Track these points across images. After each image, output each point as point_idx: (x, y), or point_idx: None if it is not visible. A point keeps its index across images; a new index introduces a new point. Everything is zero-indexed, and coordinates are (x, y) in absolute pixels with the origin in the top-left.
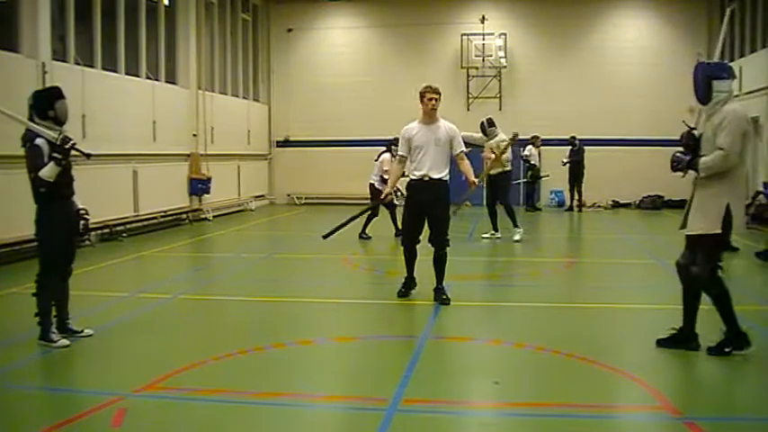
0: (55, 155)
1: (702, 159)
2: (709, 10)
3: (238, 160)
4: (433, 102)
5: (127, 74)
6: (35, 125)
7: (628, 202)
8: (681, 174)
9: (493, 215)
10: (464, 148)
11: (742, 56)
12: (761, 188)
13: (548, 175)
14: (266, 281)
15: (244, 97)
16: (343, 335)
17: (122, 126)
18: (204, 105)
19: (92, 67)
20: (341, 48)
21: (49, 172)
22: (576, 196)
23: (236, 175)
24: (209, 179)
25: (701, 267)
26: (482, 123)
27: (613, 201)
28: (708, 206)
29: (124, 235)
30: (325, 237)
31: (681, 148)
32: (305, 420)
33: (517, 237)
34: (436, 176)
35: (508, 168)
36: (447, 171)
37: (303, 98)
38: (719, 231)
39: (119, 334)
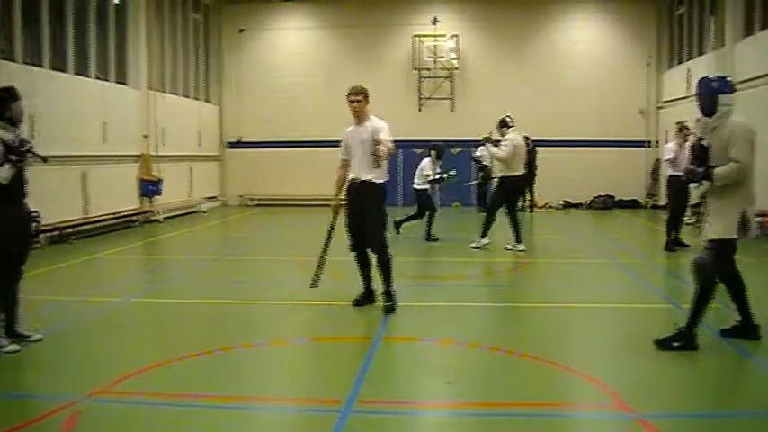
0: (11, 157)
1: (717, 170)
2: (658, 13)
3: (190, 161)
4: (355, 104)
5: (76, 74)
6: None
7: (579, 202)
8: (696, 184)
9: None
10: (381, 138)
11: (690, 59)
12: None
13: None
14: (220, 283)
15: (195, 98)
16: (298, 337)
17: (72, 127)
18: (155, 106)
19: (40, 66)
20: (293, 48)
21: (4, 174)
22: (529, 197)
23: (188, 176)
24: (160, 180)
25: (707, 260)
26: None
27: (565, 201)
28: (725, 213)
29: (74, 238)
30: (312, 285)
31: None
32: (260, 423)
33: (474, 244)
34: (363, 179)
35: (519, 172)
36: (377, 173)
37: (255, 99)
38: (736, 237)
39: (71, 338)
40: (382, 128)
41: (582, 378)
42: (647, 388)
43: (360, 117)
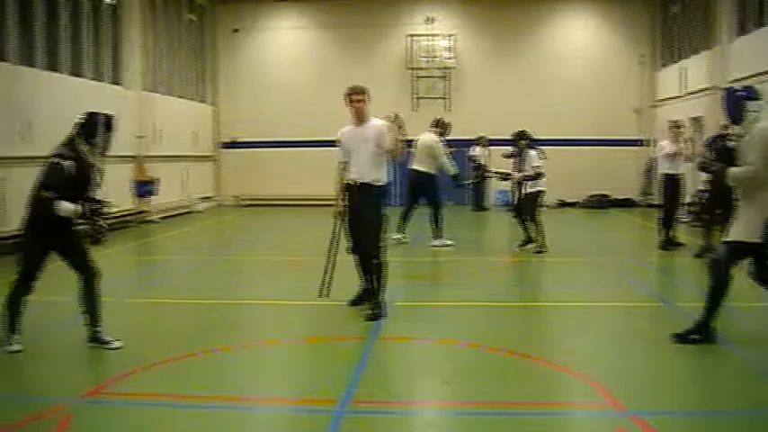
0: (79, 219)
1: (732, 169)
2: (652, 12)
3: (185, 162)
4: (359, 104)
5: (71, 74)
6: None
7: (574, 201)
8: (707, 174)
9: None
10: (388, 147)
11: (684, 57)
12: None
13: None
14: (215, 283)
15: (190, 98)
16: (292, 337)
17: (65, 128)
18: (150, 106)
19: (33, 67)
20: (288, 48)
21: (64, 210)
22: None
23: (183, 176)
24: (155, 181)
25: (721, 257)
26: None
27: (559, 200)
28: (748, 217)
29: None
30: (320, 294)
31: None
32: (254, 423)
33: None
34: (364, 180)
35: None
36: (379, 174)
37: (249, 99)
38: (760, 241)
39: (64, 339)
40: (385, 132)
41: (577, 377)
42: (641, 386)
43: (361, 116)
